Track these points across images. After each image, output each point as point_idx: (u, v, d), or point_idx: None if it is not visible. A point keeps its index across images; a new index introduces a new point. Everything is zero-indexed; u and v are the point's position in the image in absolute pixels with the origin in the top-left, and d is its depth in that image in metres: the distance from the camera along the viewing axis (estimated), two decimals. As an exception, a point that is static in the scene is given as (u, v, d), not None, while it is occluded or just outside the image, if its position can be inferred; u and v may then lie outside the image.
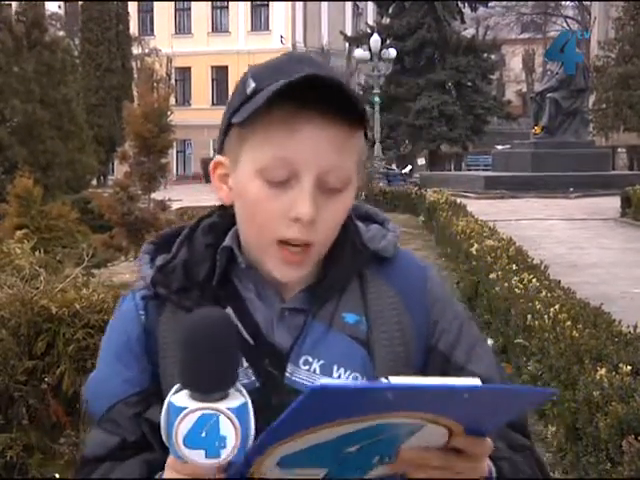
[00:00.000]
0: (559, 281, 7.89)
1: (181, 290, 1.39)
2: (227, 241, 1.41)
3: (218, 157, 1.40)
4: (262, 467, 1.10)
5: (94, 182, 33.55)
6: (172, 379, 1.34)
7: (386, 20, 46.38)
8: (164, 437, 1.18)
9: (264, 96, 1.27)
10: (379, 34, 37.89)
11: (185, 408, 1.14)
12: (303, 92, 1.26)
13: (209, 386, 1.16)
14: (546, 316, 6.04)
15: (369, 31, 43.55)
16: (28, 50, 24.34)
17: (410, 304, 1.43)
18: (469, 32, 49.62)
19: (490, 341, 7.89)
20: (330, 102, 1.27)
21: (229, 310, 1.35)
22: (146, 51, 51.33)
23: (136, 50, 49.17)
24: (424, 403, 1.04)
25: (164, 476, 1.19)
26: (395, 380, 1.05)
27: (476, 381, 1.09)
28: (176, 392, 1.18)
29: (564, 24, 61.89)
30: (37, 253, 4.35)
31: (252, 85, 1.32)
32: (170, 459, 1.18)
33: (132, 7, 50.82)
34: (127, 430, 1.38)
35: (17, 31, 24.16)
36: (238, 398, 1.15)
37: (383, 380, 1.06)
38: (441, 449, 1.13)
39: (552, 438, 5.35)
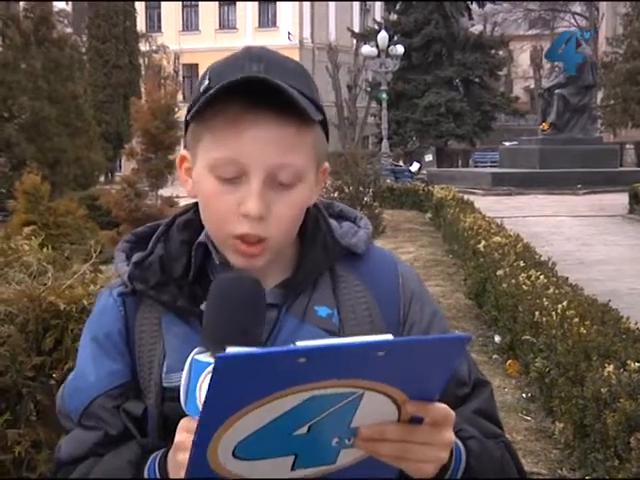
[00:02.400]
0: (567, 278, 7.87)
1: (158, 285, 1.41)
2: (202, 237, 1.44)
3: (182, 151, 1.44)
4: (217, 457, 1.09)
5: (102, 179, 33.59)
6: (149, 374, 1.40)
7: (394, 16, 46.37)
8: (182, 398, 1.20)
9: (206, 97, 1.30)
10: (386, 30, 37.90)
11: (210, 363, 1.17)
12: (250, 92, 1.28)
13: (235, 344, 1.18)
14: (554, 313, 6.03)
15: (376, 27, 43.57)
16: (36, 47, 24.39)
17: (380, 298, 1.45)
18: (477, 28, 49.55)
19: (497, 337, 7.89)
20: (274, 102, 1.29)
21: (204, 307, 1.35)
22: (153, 48, 51.37)
23: (143, 47, 49.18)
24: (342, 368, 1.04)
25: (175, 440, 1.20)
26: (302, 343, 1.05)
27: (388, 336, 1.10)
28: (198, 354, 1.20)
29: (572, 20, 61.77)
30: (45, 249, 4.35)
31: (206, 82, 1.35)
32: (184, 421, 1.20)
33: (139, 4, 50.84)
34: (109, 423, 1.40)
35: (25, 28, 24.21)
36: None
37: (291, 345, 1.07)
38: (397, 423, 1.13)
39: (560, 435, 5.34)
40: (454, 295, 10.53)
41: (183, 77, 54.57)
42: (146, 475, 1.30)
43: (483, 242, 10.08)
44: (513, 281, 7.56)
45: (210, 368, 1.16)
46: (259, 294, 1.27)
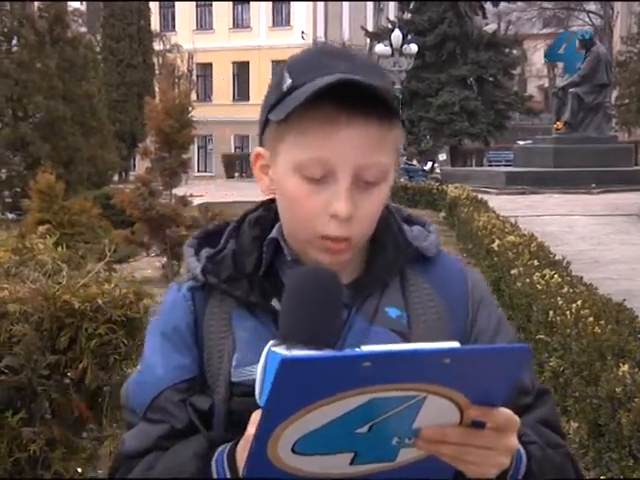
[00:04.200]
0: (581, 277, 7.85)
1: (230, 280, 1.42)
2: (273, 233, 1.44)
3: (258, 149, 1.43)
4: (277, 450, 1.10)
5: (116, 178, 33.70)
6: (217, 368, 1.40)
7: (407, 15, 46.29)
8: (257, 390, 1.21)
9: (301, 96, 1.29)
10: (400, 29, 37.84)
11: None
12: (338, 91, 1.28)
13: (311, 337, 1.19)
14: (568, 312, 6.01)
15: (390, 26, 43.50)
16: (51, 46, 24.47)
17: (448, 302, 1.45)
18: (491, 27, 49.41)
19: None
20: (365, 101, 1.28)
21: (275, 302, 1.37)
22: (167, 47, 51.45)
23: (157, 46, 49.29)
24: (407, 372, 1.05)
25: (247, 432, 1.20)
26: (368, 348, 1.06)
27: (454, 344, 1.11)
28: (274, 346, 1.21)
29: (586, 19, 61.57)
30: (59, 248, 4.36)
31: (288, 81, 1.34)
32: (256, 414, 1.19)
33: (153, 3, 50.95)
34: (175, 417, 1.40)
35: (40, 27, 24.29)
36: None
37: (356, 350, 1.07)
38: (459, 426, 1.14)
39: (574, 434, 5.33)
40: (468, 294, 10.49)
41: (197, 76, 54.66)
42: (214, 467, 1.30)
43: (497, 241, 10.06)
44: (527, 280, 7.55)
45: None
46: (338, 287, 1.28)
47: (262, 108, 1.40)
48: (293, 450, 1.10)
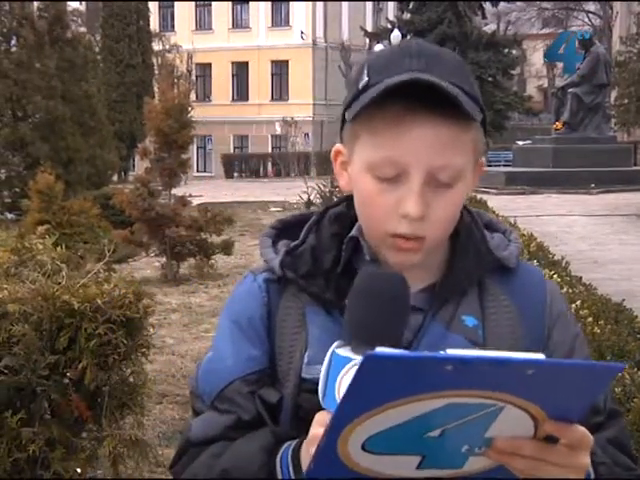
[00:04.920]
0: (580, 277, 7.85)
1: (308, 275, 1.41)
2: (354, 231, 1.43)
3: (338, 145, 1.43)
4: (347, 447, 1.10)
5: (115, 178, 33.68)
6: (288, 363, 1.39)
7: (407, 15, 46.34)
8: (320, 391, 1.20)
9: (370, 96, 1.28)
10: (399, 29, 37.91)
11: (351, 359, 1.17)
12: (411, 91, 1.27)
13: (378, 339, 1.17)
14: (567, 312, 6.01)
15: (389, 27, 43.56)
16: (50, 46, 24.43)
17: (526, 314, 1.43)
18: (490, 27, 49.47)
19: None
20: (436, 100, 1.27)
21: (348, 298, 1.36)
22: (167, 47, 51.46)
23: (157, 46, 49.30)
24: (488, 380, 1.03)
25: (310, 433, 1.20)
26: (453, 351, 1.06)
27: (539, 356, 1.09)
28: (338, 347, 1.20)
29: (585, 19, 61.59)
30: (59, 248, 4.36)
31: (365, 79, 1.33)
32: (320, 414, 1.20)
33: (153, 3, 50.97)
34: (243, 408, 1.40)
35: (39, 27, 24.25)
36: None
37: (441, 352, 1.06)
38: (533, 439, 1.12)
39: (573, 435, 5.33)
40: (467, 294, 10.50)
41: (196, 76, 54.65)
42: (278, 465, 1.29)
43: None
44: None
45: (351, 364, 1.17)
46: (406, 292, 1.25)
47: (343, 104, 1.39)
48: (363, 447, 1.09)
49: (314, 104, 54.14)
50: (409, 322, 1.36)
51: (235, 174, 48.91)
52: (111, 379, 3.83)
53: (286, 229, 1.50)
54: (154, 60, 47.08)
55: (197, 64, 53.95)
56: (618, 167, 28.23)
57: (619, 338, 5.18)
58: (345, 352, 1.19)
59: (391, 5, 56.42)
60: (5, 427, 3.57)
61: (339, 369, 1.18)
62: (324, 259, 1.42)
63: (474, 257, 1.42)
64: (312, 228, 1.46)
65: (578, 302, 6.13)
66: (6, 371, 3.57)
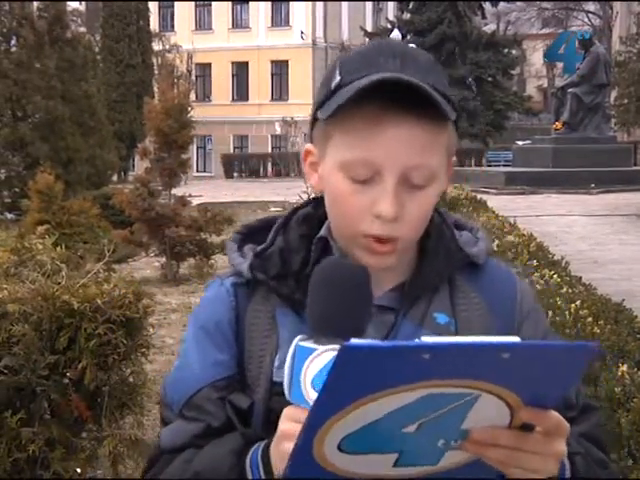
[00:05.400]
0: (580, 277, 7.85)
1: (277, 277, 1.40)
2: (323, 232, 1.42)
3: (308, 146, 1.42)
4: (323, 448, 1.08)
5: (115, 178, 33.69)
6: (258, 367, 1.38)
7: (406, 15, 46.35)
8: (286, 386, 1.19)
9: (345, 95, 1.27)
10: (399, 29, 37.90)
11: (314, 349, 1.16)
12: (385, 91, 1.26)
13: (340, 329, 1.17)
14: (567, 312, 6.01)
15: (389, 26, 43.57)
16: (50, 46, 24.44)
17: (496, 311, 1.43)
18: (490, 27, 49.47)
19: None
20: (412, 101, 1.26)
21: (309, 290, 1.35)
22: (167, 47, 51.46)
23: (157, 46, 49.29)
24: (465, 367, 1.02)
25: (280, 429, 1.19)
26: (428, 339, 1.03)
27: (515, 338, 1.08)
28: (301, 340, 1.19)
29: (585, 19, 61.59)
30: (58, 248, 4.36)
31: (337, 79, 1.32)
32: (288, 409, 1.18)
33: (153, 3, 50.97)
34: (212, 415, 1.38)
35: (39, 27, 24.26)
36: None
37: (417, 340, 1.05)
38: (509, 428, 1.11)
39: (573, 435, 5.33)
40: (467, 294, 10.50)
41: (196, 76, 54.64)
42: (248, 464, 1.28)
43: (496, 241, 10.06)
44: (526, 280, 7.54)
45: (315, 354, 1.16)
46: (367, 280, 1.24)
47: (313, 104, 1.38)
48: (339, 448, 1.08)
49: (314, 104, 54.06)
50: (380, 321, 1.36)
51: (235, 174, 48.91)
52: (111, 379, 3.83)
53: (251, 234, 1.49)
54: (154, 60, 47.09)
55: (197, 64, 53.94)
56: (618, 167, 28.24)
57: (619, 338, 5.18)
58: (309, 344, 1.18)
59: (391, 5, 56.42)
60: (5, 427, 3.57)
61: (303, 360, 1.17)
62: (293, 260, 1.41)
63: (444, 255, 1.42)
64: (280, 230, 1.45)
65: (578, 302, 6.13)
66: (6, 371, 3.57)
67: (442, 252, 1.42)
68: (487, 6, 47.16)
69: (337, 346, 1.09)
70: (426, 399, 1.04)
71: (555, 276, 7.36)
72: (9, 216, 20.72)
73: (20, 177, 22.63)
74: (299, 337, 1.21)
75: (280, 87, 55.33)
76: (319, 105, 1.34)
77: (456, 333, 1.38)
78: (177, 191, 13.28)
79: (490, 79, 45.40)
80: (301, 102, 52.32)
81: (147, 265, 13.56)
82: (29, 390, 3.65)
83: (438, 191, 1.36)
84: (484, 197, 18.04)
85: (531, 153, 30.80)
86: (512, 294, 1.45)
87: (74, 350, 3.69)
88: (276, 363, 1.36)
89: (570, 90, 30.46)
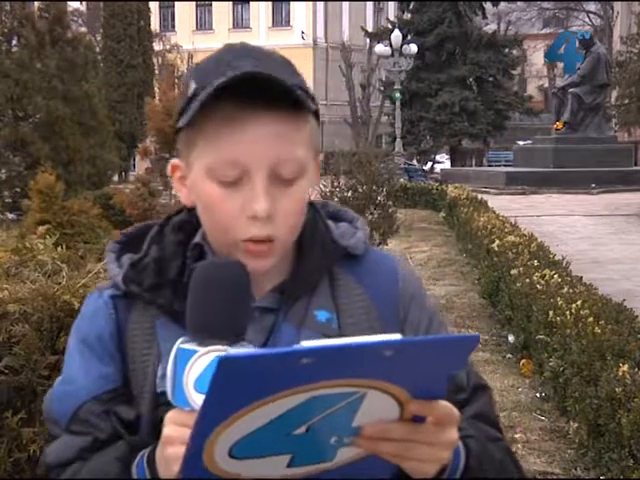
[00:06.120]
0: (581, 277, 7.86)
1: (153, 287, 1.38)
2: (197, 238, 1.40)
3: (174, 160, 1.40)
4: (214, 456, 1.08)
5: (115, 178, 33.66)
6: (142, 379, 1.36)
7: (407, 15, 46.30)
8: (169, 389, 1.18)
9: (200, 99, 1.26)
10: (400, 30, 37.89)
11: (196, 351, 1.16)
12: (243, 89, 1.25)
13: (221, 330, 1.17)
14: (568, 312, 6.01)
15: (390, 27, 43.53)
16: (50, 46, 24.44)
17: (379, 300, 1.42)
18: (490, 27, 49.44)
19: (511, 337, 7.87)
20: (271, 96, 1.26)
21: (188, 293, 1.33)
22: (167, 47, 51.45)
23: (157, 46, 49.27)
24: (347, 367, 1.02)
25: (164, 433, 1.18)
26: (307, 344, 1.03)
27: (396, 336, 1.08)
28: (183, 343, 1.19)
29: (586, 19, 61.57)
30: (59, 248, 4.36)
31: (193, 86, 1.31)
32: (172, 413, 1.17)
33: (153, 3, 50.93)
34: (98, 428, 1.36)
35: (40, 27, 24.26)
36: (248, 348, 1.17)
37: (295, 346, 1.05)
38: (400, 421, 1.11)
39: (574, 435, 5.34)
40: (468, 294, 10.52)
41: (197, 76, 54.62)
42: (134, 472, 1.27)
43: (497, 241, 10.07)
44: (527, 280, 7.55)
45: (197, 356, 1.15)
46: (246, 279, 1.25)
47: (175, 116, 1.36)
48: (230, 454, 1.08)
49: (315, 104, 54.09)
50: (261, 323, 1.35)
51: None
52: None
53: (130, 242, 1.46)
54: (155, 60, 47.06)
55: (197, 64, 53.95)
56: (619, 167, 28.24)
57: (619, 338, 5.18)
58: (190, 346, 1.18)
59: (391, 5, 56.40)
60: (5, 427, 3.57)
61: (185, 363, 1.16)
62: (169, 269, 1.38)
63: (320, 250, 1.40)
64: (154, 239, 1.42)
65: (579, 302, 6.14)
66: (6, 371, 3.57)
67: (317, 247, 1.41)
68: (488, 6, 47.08)
69: (219, 347, 1.12)
70: (312, 401, 1.04)
71: (556, 276, 7.36)
72: (10, 216, 20.71)
73: (21, 177, 22.61)
74: (181, 339, 1.20)
75: (281, 87, 55.21)
76: (179, 115, 1.33)
77: (339, 328, 1.37)
78: (178, 191, 13.27)
79: (491, 79, 45.34)
80: (302, 102, 52.36)
81: (148, 265, 13.54)
82: (30, 390, 3.65)
83: (309, 185, 1.35)
84: (485, 197, 18.08)
85: (532, 153, 30.80)
86: (394, 281, 1.44)
87: (75, 350, 3.69)
88: (159, 374, 1.34)
89: (571, 90, 30.46)
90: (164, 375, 1.28)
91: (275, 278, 1.39)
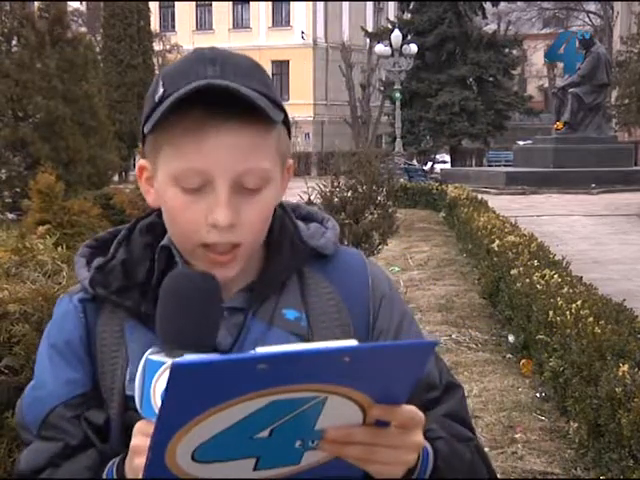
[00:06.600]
0: (581, 277, 7.85)
1: (121, 290, 1.38)
2: (165, 241, 1.41)
3: (141, 161, 1.40)
4: (176, 460, 1.08)
5: (116, 178, 33.65)
6: (111, 382, 1.36)
7: (407, 15, 46.32)
8: (137, 400, 1.19)
9: (164, 107, 1.27)
10: (400, 30, 37.89)
11: (163, 363, 1.16)
12: (208, 97, 1.25)
13: (190, 341, 1.18)
14: (568, 312, 6.01)
15: (390, 27, 43.54)
16: (51, 46, 24.43)
17: (349, 300, 1.42)
18: (490, 27, 49.45)
19: (511, 337, 7.87)
20: (235, 106, 1.26)
21: (158, 304, 1.33)
22: (167, 47, 51.47)
23: (157, 46, 49.27)
24: (305, 373, 1.03)
25: (132, 444, 1.18)
26: (264, 349, 1.04)
27: (353, 342, 1.09)
28: (152, 353, 1.19)
29: (586, 19, 61.58)
30: (59, 249, 4.36)
31: (160, 91, 1.31)
32: (140, 424, 1.18)
33: (153, 3, 50.94)
34: (69, 433, 1.36)
35: (40, 27, 24.26)
36: (204, 355, 1.16)
37: (251, 352, 1.05)
38: (363, 425, 1.12)
39: (574, 435, 5.33)
40: (468, 294, 10.52)
41: (197, 76, 54.64)
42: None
43: (497, 241, 10.06)
44: (527, 280, 7.55)
45: (164, 368, 1.16)
46: (217, 291, 1.25)
47: (141, 119, 1.36)
48: (193, 458, 1.08)
49: (314, 104, 54.15)
50: (231, 323, 1.35)
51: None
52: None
53: (101, 247, 1.46)
54: (155, 60, 47.06)
55: (198, 64, 53.96)
56: (619, 167, 28.27)
57: (620, 338, 5.18)
58: (158, 357, 1.18)
59: (391, 5, 56.41)
60: (5, 427, 3.56)
61: (153, 374, 1.16)
62: (137, 272, 1.39)
63: (289, 250, 1.41)
64: (122, 242, 1.43)
65: (579, 302, 6.13)
66: (6, 371, 3.57)
67: (286, 247, 1.41)
68: (488, 6, 47.08)
69: (202, 356, 1.11)
70: (272, 406, 1.04)
71: (556, 276, 7.36)
72: (10, 216, 20.71)
73: (21, 177, 22.60)
74: (150, 350, 1.21)
75: (281, 87, 55.31)
76: (145, 119, 1.33)
77: (308, 327, 1.38)
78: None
79: (491, 79, 45.35)
80: (302, 102, 52.36)
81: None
82: (30, 390, 3.65)
83: (274, 194, 1.35)
84: (485, 197, 18.08)
85: (532, 153, 30.81)
86: (364, 280, 1.44)
87: (75, 350, 3.69)
88: (127, 377, 1.34)
89: (571, 90, 30.47)
90: (132, 379, 1.29)
91: (244, 278, 1.39)
